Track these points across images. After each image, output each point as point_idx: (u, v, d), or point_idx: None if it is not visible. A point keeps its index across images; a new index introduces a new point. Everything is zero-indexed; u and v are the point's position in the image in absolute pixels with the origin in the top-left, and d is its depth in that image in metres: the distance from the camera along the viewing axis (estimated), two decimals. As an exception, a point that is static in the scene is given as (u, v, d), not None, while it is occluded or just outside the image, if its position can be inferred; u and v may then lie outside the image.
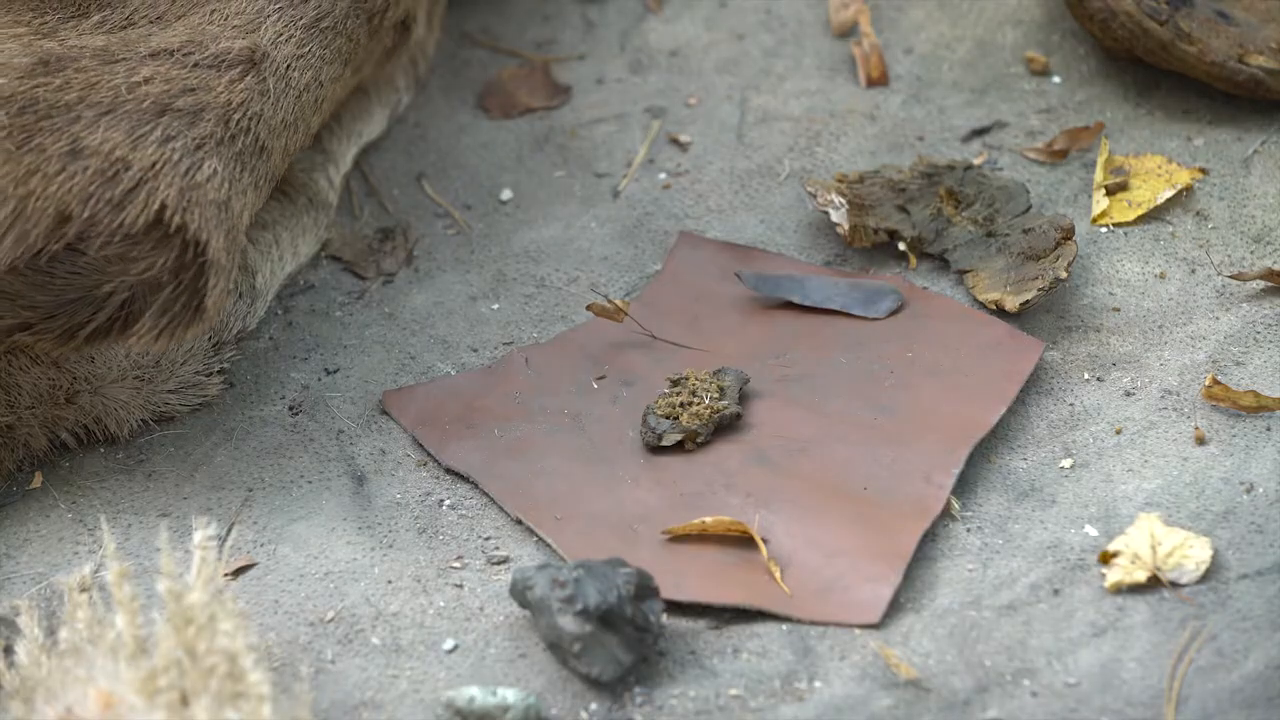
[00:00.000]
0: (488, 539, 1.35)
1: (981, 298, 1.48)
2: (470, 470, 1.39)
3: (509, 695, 1.23)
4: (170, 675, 1.16)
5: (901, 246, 1.53)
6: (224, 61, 1.32)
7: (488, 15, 1.76)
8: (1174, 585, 1.29)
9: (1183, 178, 1.56)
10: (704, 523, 1.32)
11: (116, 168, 1.26)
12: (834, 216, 1.52)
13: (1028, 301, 1.45)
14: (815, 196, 1.53)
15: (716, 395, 1.41)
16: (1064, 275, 1.46)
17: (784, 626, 1.28)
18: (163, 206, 1.27)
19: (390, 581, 1.32)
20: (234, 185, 1.30)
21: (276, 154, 1.35)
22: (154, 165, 1.27)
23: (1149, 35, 1.60)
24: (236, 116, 1.31)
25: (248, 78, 1.31)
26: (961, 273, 1.51)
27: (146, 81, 1.28)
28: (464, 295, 1.53)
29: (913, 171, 1.56)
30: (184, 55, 1.31)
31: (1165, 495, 1.35)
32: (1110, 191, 1.56)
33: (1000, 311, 1.47)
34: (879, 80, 1.67)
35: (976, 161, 1.59)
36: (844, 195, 1.53)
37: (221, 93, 1.29)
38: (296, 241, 1.52)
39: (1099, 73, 1.67)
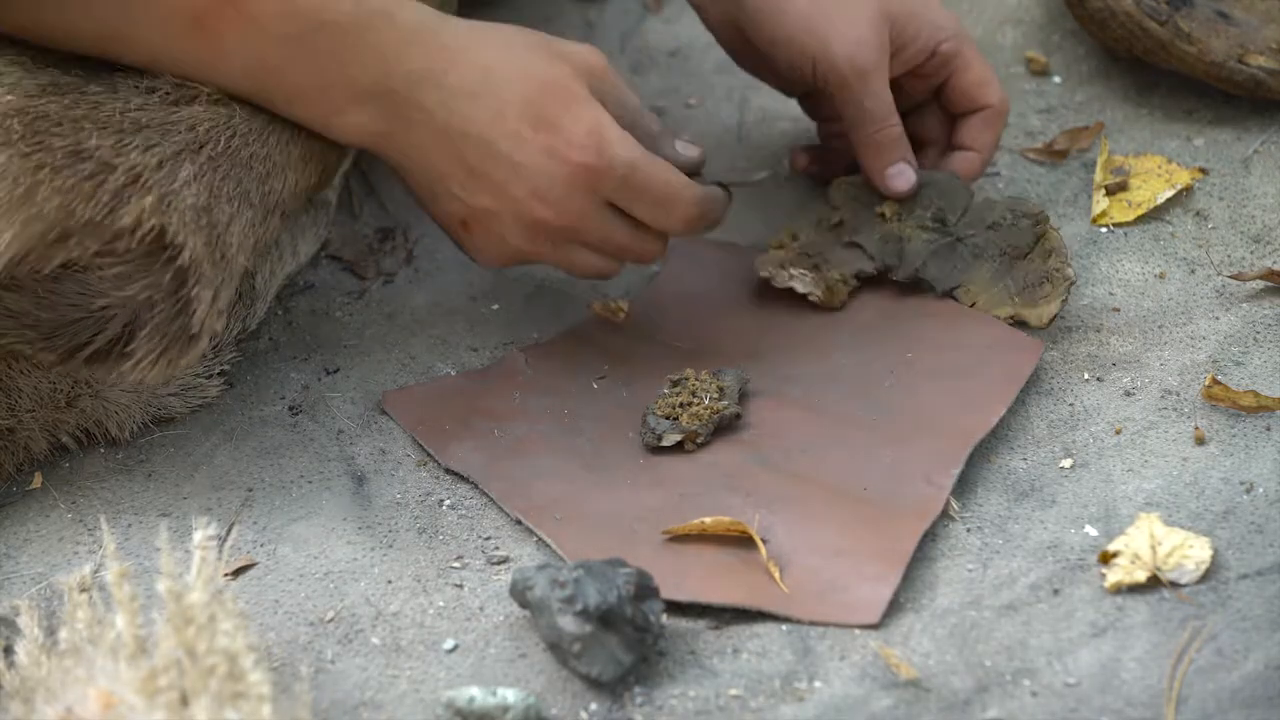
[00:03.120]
0: (488, 539, 1.35)
1: (996, 315, 1.46)
2: (470, 471, 1.39)
3: (509, 695, 1.23)
4: (170, 675, 1.16)
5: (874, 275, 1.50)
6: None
7: (488, 17, 1.76)
8: (1174, 585, 1.29)
9: (1183, 178, 1.56)
10: (703, 523, 1.32)
11: (105, 172, 1.29)
12: (801, 289, 1.48)
13: (1055, 315, 1.44)
14: (773, 278, 1.48)
15: (716, 396, 1.41)
16: (1073, 276, 1.44)
17: (784, 626, 1.28)
18: (142, 210, 1.29)
19: (390, 581, 1.33)
20: (214, 193, 1.31)
21: (266, 164, 1.36)
22: (133, 169, 1.30)
23: (1149, 35, 1.60)
24: (211, 130, 1.33)
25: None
26: (949, 292, 1.48)
27: (139, 109, 1.32)
28: (464, 295, 1.53)
29: (842, 197, 1.51)
30: (175, 88, 1.34)
31: (1165, 495, 1.35)
32: (1110, 192, 1.56)
33: (1022, 324, 1.45)
34: (879, 80, 1.67)
35: None
36: (799, 265, 1.49)
37: (203, 113, 1.33)
38: (296, 241, 1.52)
39: (1099, 73, 1.67)
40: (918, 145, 1.53)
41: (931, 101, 1.53)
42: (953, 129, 1.52)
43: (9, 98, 1.28)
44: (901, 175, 1.47)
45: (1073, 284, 1.45)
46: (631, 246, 1.41)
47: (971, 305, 1.47)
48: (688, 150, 1.43)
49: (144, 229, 1.28)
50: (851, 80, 1.45)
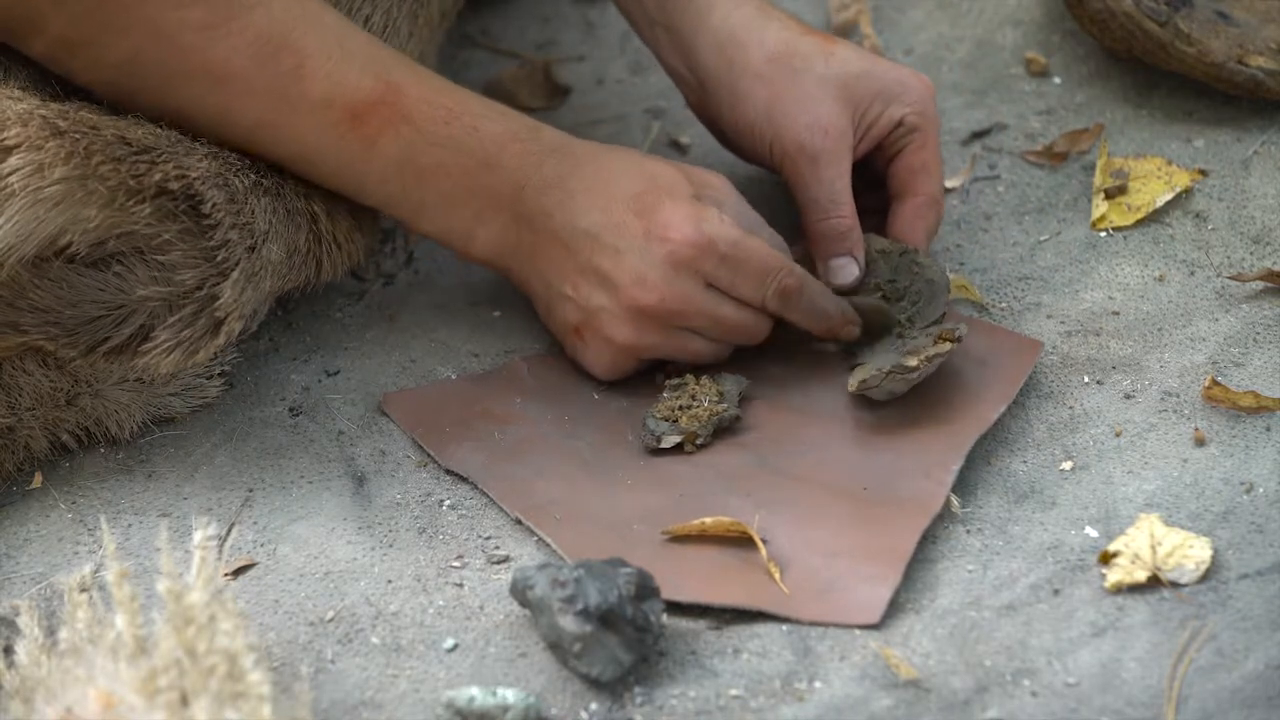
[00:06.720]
0: (488, 538, 1.35)
1: (851, 383, 1.40)
2: (470, 471, 1.39)
3: (509, 695, 1.23)
4: (170, 675, 1.16)
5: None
6: None
7: (488, 17, 1.77)
8: (1174, 585, 1.29)
9: (1182, 180, 1.56)
10: (703, 523, 1.32)
11: (145, 152, 1.34)
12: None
13: (864, 382, 1.39)
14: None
15: (716, 399, 1.41)
16: (912, 364, 1.38)
17: (784, 627, 1.28)
18: (168, 172, 1.33)
19: (390, 581, 1.33)
20: (228, 166, 1.36)
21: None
22: (164, 151, 1.34)
23: (1148, 36, 1.60)
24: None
25: None
26: (852, 366, 1.43)
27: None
28: (464, 299, 1.53)
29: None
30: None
31: (1165, 496, 1.35)
32: (1109, 195, 1.56)
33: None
34: (879, 82, 1.67)
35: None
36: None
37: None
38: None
39: (1099, 74, 1.67)
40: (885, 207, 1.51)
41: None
42: (890, 215, 1.49)
43: (52, 105, 1.33)
44: (843, 270, 1.45)
45: (902, 368, 1.38)
46: (741, 324, 1.41)
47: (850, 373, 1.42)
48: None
49: (173, 186, 1.32)
50: (801, 165, 1.45)
